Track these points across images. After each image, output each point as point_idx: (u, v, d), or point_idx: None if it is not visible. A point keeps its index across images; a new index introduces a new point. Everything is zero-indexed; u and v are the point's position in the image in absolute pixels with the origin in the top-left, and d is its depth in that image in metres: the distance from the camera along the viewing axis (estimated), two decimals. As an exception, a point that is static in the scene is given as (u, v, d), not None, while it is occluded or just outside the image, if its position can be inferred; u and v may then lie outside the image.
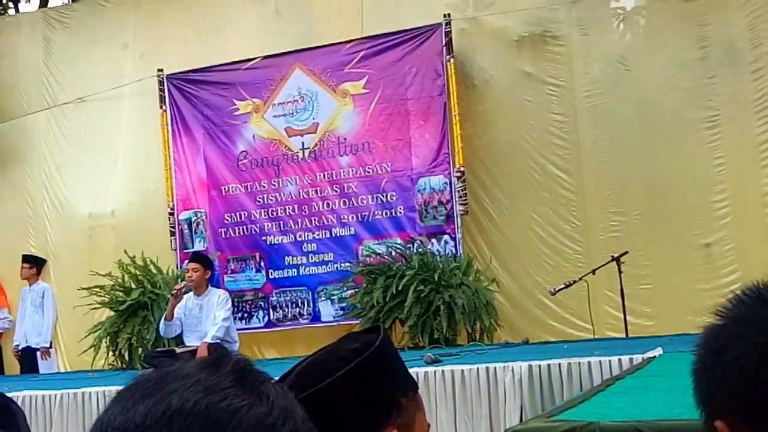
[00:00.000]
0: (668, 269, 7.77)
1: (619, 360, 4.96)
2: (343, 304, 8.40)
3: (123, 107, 9.84)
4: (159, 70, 9.30)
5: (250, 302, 8.77)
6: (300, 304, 8.63)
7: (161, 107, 9.25)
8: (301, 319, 8.64)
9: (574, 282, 7.36)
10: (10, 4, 12.80)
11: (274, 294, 8.72)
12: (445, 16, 8.38)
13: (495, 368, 5.18)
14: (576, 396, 4.13)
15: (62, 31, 10.39)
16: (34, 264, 9.61)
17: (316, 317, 8.58)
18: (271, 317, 8.71)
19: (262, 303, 8.76)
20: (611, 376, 4.72)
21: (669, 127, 8.04)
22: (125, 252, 8.48)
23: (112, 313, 8.27)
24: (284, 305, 8.68)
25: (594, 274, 7.33)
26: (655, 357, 4.89)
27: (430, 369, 5.33)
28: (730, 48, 7.88)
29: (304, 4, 9.39)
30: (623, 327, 7.16)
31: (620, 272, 7.18)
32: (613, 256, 7.27)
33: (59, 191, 10.04)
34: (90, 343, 8.24)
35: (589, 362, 5.02)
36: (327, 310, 8.53)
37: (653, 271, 7.79)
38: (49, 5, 12.45)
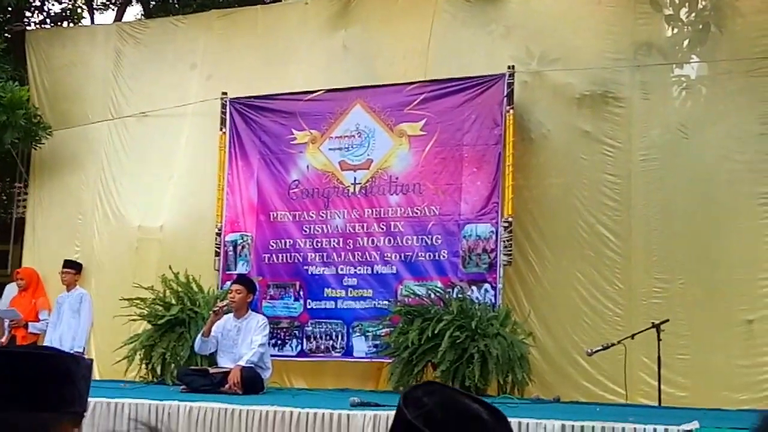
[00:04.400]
0: (708, 342, 7.66)
1: (654, 429, 4.90)
2: (377, 342, 8.36)
3: (184, 126, 10.01)
4: (223, 93, 9.47)
5: (285, 330, 8.78)
6: (334, 337, 8.62)
7: (221, 129, 9.39)
8: (333, 352, 8.63)
9: (612, 345, 7.28)
10: (86, 14, 13.12)
11: (309, 324, 8.73)
12: (509, 67, 8.42)
13: (528, 424, 5.14)
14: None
15: (134, 45, 10.62)
16: (78, 269, 9.58)
17: (348, 352, 8.56)
18: (304, 347, 8.71)
19: (296, 332, 8.77)
20: (645, 446, 4.68)
21: (722, 199, 7.96)
22: (170, 267, 8.58)
23: (150, 327, 8.34)
24: (318, 336, 8.68)
25: (633, 338, 7.25)
26: (691, 431, 4.83)
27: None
28: (791, 126, 7.83)
29: (371, 42, 9.50)
30: (656, 395, 7.05)
31: (659, 340, 7.06)
32: (653, 323, 7.16)
33: (112, 201, 10.18)
34: (124, 354, 8.30)
35: (623, 428, 4.97)
36: (360, 345, 8.50)
37: (692, 342, 7.66)
38: (124, 19, 12.74)
